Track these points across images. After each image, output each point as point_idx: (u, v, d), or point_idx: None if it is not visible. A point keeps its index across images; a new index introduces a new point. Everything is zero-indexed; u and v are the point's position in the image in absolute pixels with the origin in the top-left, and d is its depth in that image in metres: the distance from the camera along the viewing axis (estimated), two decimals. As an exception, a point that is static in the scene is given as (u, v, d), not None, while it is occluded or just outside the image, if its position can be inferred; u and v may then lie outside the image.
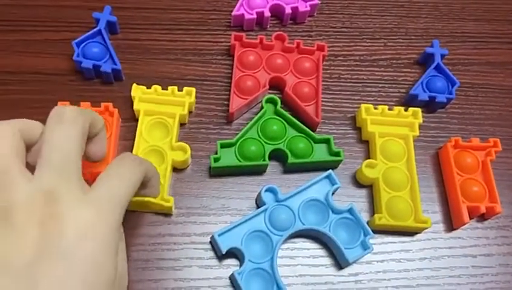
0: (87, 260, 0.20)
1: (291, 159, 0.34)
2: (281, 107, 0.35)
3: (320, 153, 0.34)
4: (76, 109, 0.23)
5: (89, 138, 0.25)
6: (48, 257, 0.19)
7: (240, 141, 0.34)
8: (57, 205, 0.20)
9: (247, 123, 0.35)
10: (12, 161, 0.21)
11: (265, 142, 0.34)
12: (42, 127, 0.23)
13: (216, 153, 0.33)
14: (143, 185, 0.26)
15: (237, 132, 0.34)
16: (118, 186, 0.22)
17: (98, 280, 0.20)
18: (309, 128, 0.35)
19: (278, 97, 0.35)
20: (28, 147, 0.23)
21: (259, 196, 0.33)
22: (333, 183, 0.33)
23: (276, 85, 0.38)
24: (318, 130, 0.36)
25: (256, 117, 0.34)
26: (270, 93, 0.37)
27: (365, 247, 0.31)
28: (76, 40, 0.36)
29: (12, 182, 0.20)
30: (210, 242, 0.32)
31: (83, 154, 0.23)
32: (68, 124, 0.22)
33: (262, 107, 0.35)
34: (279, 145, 0.34)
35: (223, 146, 0.33)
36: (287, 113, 0.35)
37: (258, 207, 0.33)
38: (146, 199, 0.30)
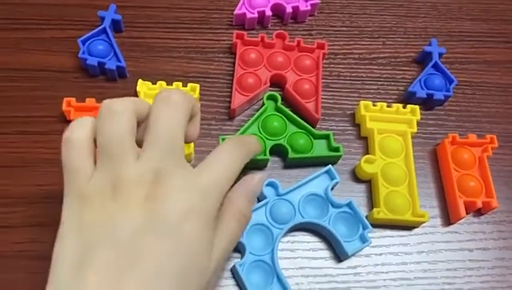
0: (186, 241, 0.20)
1: (291, 154, 0.34)
2: (281, 103, 0.36)
3: (320, 149, 0.35)
4: (181, 91, 0.24)
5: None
6: (152, 232, 0.20)
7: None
8: (163, 184, 0.21)
9: (249, 119, 0.35)
10: (127, 137, 0.22)
11: (266, 138, 0.35)
12: (149, 107, 0.23)
13: None
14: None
15: (239, 128, 0.35)
16: (223, 176, 0.23)
17: (194, 263, 0.21)
18: (309, 124, 0.36)
19: (279, 94, 0.36)
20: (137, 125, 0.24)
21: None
22: (332, 178, 0.34)
23: (277, 82, 0.38)
24: (317, 126, 0.37)
25: (257, 113, 0.35)
26: (271, 90, 0.38)
27: (364, 240, 0.32)
28: (81, 38, 0.37)
29: (124, 158, 0.21)
30: None
31: None
32: (174, 106, 0.23)
33: (263, 104, 0.36)
34: (279, 140, 0.35)
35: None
36: (287, 110, 0.35)
37: (259, 201, 0.34)
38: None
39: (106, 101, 0.23)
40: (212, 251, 0.22)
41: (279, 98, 0.36)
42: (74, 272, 0.20)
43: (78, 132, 0.23)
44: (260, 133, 0.35)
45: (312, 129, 0.35)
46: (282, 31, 0.39)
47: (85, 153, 0.22)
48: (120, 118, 0.22)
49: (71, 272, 0.20)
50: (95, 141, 0.23)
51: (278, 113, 0.36)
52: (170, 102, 0.23)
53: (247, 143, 0.26)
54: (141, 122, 0.24)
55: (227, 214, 0.24)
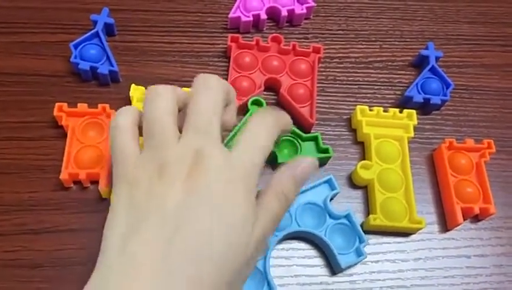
0: (227, 215, 0.21)
1: (281, 159, 0.34)
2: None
3: (309, 151, 0.35)
4: (218, 78, 0.25)
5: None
6: (195, 206, 0.21)
7: (228, 145, 0.34)
8: (203, 161, 0.22)
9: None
10: (171, 120, 0.23)
11: None
12: (187, 96, 0.25)
13: None
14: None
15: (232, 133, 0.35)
16: (259, 152, 0.23)
17: (236, 236, 0.22)
18: (304, 129, 0.35)
19: (273, 98, 0.36)
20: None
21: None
22: (332, 188, 0.33)
23: (272, 86, 0.38)
24: (313, 131, 0.36)
25: (242, 120, 0.35)
26: (265, 94, 0.38)
27: (359, 254, 0.31)
28: (73, 42, 0.36)
29: (168, 140, 0.23)
30: None
31: None
32: (213, 90, 0.24)
33: (247, 110, 0.35)
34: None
35: None
36: None
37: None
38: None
39: (151, 86, 0.24)
40: (253, 226, 0.23)
41: (264, 102, 0.35)
42: (123, 243, 0.21)
43: (124, 118, 0.24)
44: None
45: (299, 132, 0.35)
46: (277, 34, 0.38)
47: (131, 138, 0.24)
48: (163, 100, 0.24)
49: (120, 244, 0.21)
50: (140, 129, 0.24)
51: None
52: (208, 86, 0.24)
53: (279, 115, 0.26)
54: (181, 110, 0.25)
55: (270, 193, 0.24)
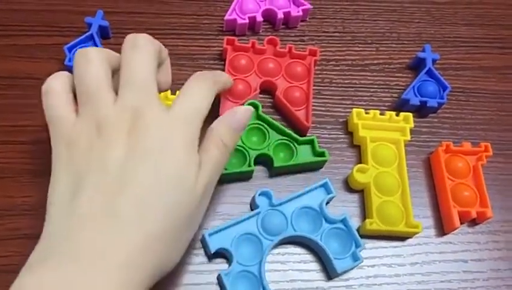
0: (170, 164, 0.23)
1: (276, 163, 0.34)
2: (271, 110, 0.35)
3: (304, 155, 0.34)
4: (146, 36, 0.25)
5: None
6: (137, 160, 0.22)
7: None
8: (142, 118, 0.23)
9: None
10: (104, 80, 0.24)
11: (249, 148, 0.34)
12: (119, 58, 0.25)
13: None
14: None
15: None
16: (197, 103, 0.25)
17: (182, 184, 0.23)
18: (299, 132, 0.35)
19: (269, 101, 0.36)
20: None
21: (253, 200, 0.33)
22: (328, 192, 0.33)
23: (268, 89, 0.38)
24: (309, 134, 0.36)
25: None
26: (261, 97, 0.37)
27: (356, 258, 0.31)
28: (68, 45, 0.36)
29: (103, 100, 0.23)
30: (202, 242, 0.32)
31: None
32: (142, 48, 0.25)
33: None
34: (263, 150, 0.34)
35: None
36: (268, 117, 0.35)
37: (252, 210, 0.33)
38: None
39: (80, 50, 0.25)
40: (197, 175, 0.24)
41: (260, 105, 0.35)
42: (68, 201, 0.22)
43: (57, 82, 0.25)
44: (243, 143, 0.34)
45: (295, 135, 0.34)
46: (273, 36, 0.38)
47: (65, 101, 0.24)
48: (94, 63, 0.24)
49: (65, 202, 0.22)
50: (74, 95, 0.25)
51: (259, 122, 0.35)
52: (137, 45, 0.25)
53: (213, 73, 0.28)
54: (114, 73, 0.25)
55: (210, 143, 0.26)
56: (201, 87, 0.26)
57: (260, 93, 0.37)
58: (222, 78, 0.29)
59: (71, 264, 0.20)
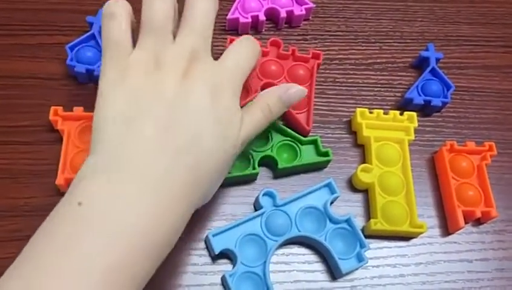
0: (219, 109, 0.25)
1: (281, 165, 0.33)
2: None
3: (308, 155, 0.34)
4: None
5: None
6: (190, 99, 0.24)
7: None
8: (197, 61, 0.25)
9: None
10: (169, 17, 0.26)
11: (253, 150, 0.34)
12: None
13: None
14: None
15: None
16: (242, 59, 0.28)
17: (225, 129, 0.25)
18: (300, 136, 0.35)
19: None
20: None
21: (257, 200, 0.33)
22: (332, 192, 0.33)
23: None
24: (313, 134, 0.36)
25: None
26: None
27: (360, 259, 0.31)
28: (69, 44, 0.36)
29: (165, 36, 0.25)
30: (205, 243, 0.32)
31: None
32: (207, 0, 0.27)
33: None
34: (267, 151, 0.34)
35: None
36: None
37: (256, 210, 0.33)
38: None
39: None
40: (241, 126, 0.26)
41: None
42: (123, 123, 0.23)
43: (121, 8, 0.26)
44: (246, 146, 0.34)
45: (298, 136, 0.34)
46: (277, 38, 0.38)
47: (126, 27, 0.26)
48: (161, 0, 0.26)
49: (123, 122, 0.23)
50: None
51: None
52: None
53: (255, 46, 0.30)
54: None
55: (256, 104, 0.28)
56: (247, 45, 0.29)
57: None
58: (256, 49, 0.30)
59: (125, 183, 0.22)
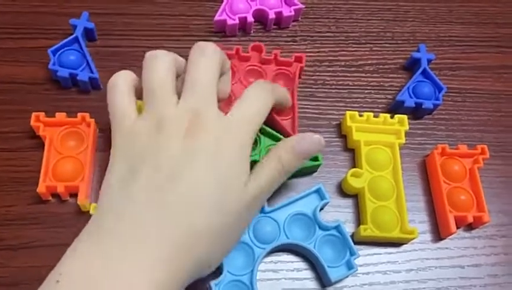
0: (222, 164, 0.24)
1: None
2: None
3: None
4: (214, 45, 0.27)
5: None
6: (191, 158, 0.24)
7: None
8: (200, 119, 0.24)
9: None
10: (168, 82, 0.25)
11: None
12: (184, 63, 0.27)
13: None
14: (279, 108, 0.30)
15: None
16: (253, 110, 0.27)
17: (230, 184, 0.24)
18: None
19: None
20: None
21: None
22: (322, 198, 0.32)
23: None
24: (302, 138, 0.35)
25: None
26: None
27: (350, 267, 0.30)
28: (52, 48, 0.35)
29: (167, 99, 0.25)
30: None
31: None
32: (209, 57, 0.26)
33: None
34: (254, 156, 0.33)
35: None
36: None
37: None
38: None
39: (149, 52, 0.26)
40: (248, 181, 0.25)
41: None
42: (122, 188, 0.23)
43: (123, 80, 0.27)
44: None
45: None
46: (258, 43, 0.36)
47: (129, 98, 0.26)
48: (162, 65, 0.26)
49: (120, 188, 0.23)
50: (137, 93, 0.27)
51: None
52: (204, 53, 0.26)
53: (273, 85, 0.29)
54: (178, 76, 0.27)
55: (269, 158, 0.27)
56: (259, 95, 0.27)
57: None
58: (280, 90, 0.30)
59: (115, 242, 0.22)
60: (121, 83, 0.26)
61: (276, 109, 0.32)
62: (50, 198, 0.32)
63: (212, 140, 0.24)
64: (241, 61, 0.36)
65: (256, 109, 0.27)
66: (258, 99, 0.27)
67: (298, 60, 0.37)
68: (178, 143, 0.24)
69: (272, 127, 0.34)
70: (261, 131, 0.34)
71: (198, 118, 0.24)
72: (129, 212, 0.23)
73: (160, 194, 0.23)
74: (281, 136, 0.34)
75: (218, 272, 0.30)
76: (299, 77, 0.37)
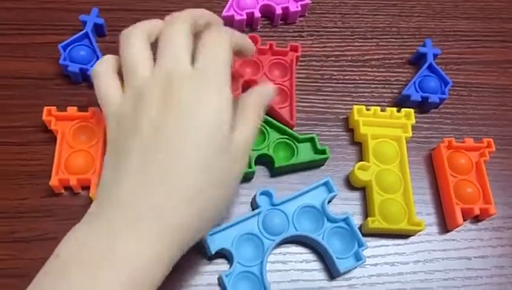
0: (203, 112, 0.24)
1: (278, 163, 0.33)
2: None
3: (305, 153, 0.34)
4: (187, 10, 0.28)
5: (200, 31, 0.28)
6: (169, 114, 0.24)
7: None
8: (172, 79, 0.25)
9: None
10: (140, 57, 0.26)
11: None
12: (159, 26, 0.28)
13: None
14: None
15: None
16: (216, 56, 0.26)
17: (213, 133, 0.24)
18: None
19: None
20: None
21: (254, 200, 0.32)
22: (330, 190, 0.33)
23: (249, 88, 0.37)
24: (309, 131, 0.36)
25: None
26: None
27: (358, 258, 0.31)
28: (62, 44, 0.35)
29: (142, 73, 0.26)
30: (202, 242, 0.31)
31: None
32: (177, 23, 0.27)
33: None
34: (263, 150, 0.33)
35: None
36: (266, 116, 0.34)
37: (253, 209, 0.33)
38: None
39: (123, 32, 0.27)
40: (232, 131, 0.25)
41: None
42: (112, 168, 0.24)
43: (101, 65, 0.28)
44: None
45: (295, 133, 0.34)
46: (254, 34, 0.37)
47: (111, 81, 0.27)
48: (134, 42, 0.27)
49: (111, 168, 0.25)
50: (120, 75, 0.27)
51: None
52: (173, 21, 0.27)
53: (226, 28, 0.29)
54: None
55: (246, 111, 0.27)
56: (217, 39, 0.27)
57: (242, 92, 0.36)
58: (237, 33, 0.29)
59: (112, 212, 0.23)
60: (99, 68, 0.28)
61: (239, 56, 0.31)
62: (63, 191, 0.32)
63: (188, 93, 0.24)
64: (237, 52, 0.37)
65: (221, 53, 0.26)
66: (219, 44, 0.27)
67: (294, 49, 0.37)
68: (155, 106, 0.24)
69: (270, 115, 0.35)
70: (268, 124, 0.34)
71: (170, 78, 0.25)
72: (121, 184, 0.23)
73: (144, 162, 0.23)
74: (289, 130, 0.34)
75: (228, 262, 0.31)
76: (296, 64, 0.37)
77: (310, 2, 0.40)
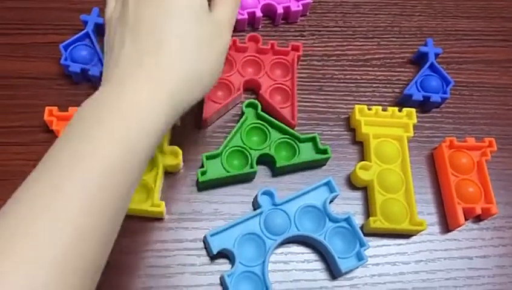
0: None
1: (279, 163, 0.33)
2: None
3: (307, 153, 0.34)
4: None
5: None
6: None
7: (225, 150, 0.33)
8: None
9: (225, 129, 0.34)
10: None
11: (251, 149, 0.33)
12: None
13: (202, 166, 0.32)
14: None
15: (211, 138, 0.34)
16: None
17: (190, 5, 0.26)
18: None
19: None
20: None
21: (255, 199, 0.32)
22: (332, 190, 0.33)
23: (251, 88, 0.37)
24: (311, 131, 0.36)
25: (238, 124, 0.34)
26: (245, 96, 0.37)
27: (360, 258, 0.31)
28: (63, 43, 0.35)
29: None
30: (204, 243, 0.31)
31: None
32: None
33: (243, 113, 0.34)
34: (264, 150, 0.33)
35: (208, 158, 0.33)
36: (268, 116, 0.34)
37: (254, 209, 0.33)
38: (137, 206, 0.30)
39: None
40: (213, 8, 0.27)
41: (259, 105, 0.34)
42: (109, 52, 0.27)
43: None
44: (244, 144, 0.33)
45: (296, 133, 0.34)
46: (255, 34, 0.37)
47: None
48: None
49: (108, 53, 0.27)
50: None
51: (259, 121, 0.34)
52: None
53: None
54: None
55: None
56: None
57: (244, 92, 0.36)
58: None
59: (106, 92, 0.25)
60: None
61: None
62: (64, 191, 0.32)
63: None
64: (239, 52, 0.37)
65: None
66: None
67: (295, 48, 0.37)
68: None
69: (272, 115, 0.35)
70: (270, 124, 0.34)
71: None
72: (120, 56, 0.26)
73: (135, 27, 0.26)
74: (291, 130, 0.34)
75: (230, 262, 0.31)
76: (297, 64, 0.37)
77: (312, 1, 0.40)
